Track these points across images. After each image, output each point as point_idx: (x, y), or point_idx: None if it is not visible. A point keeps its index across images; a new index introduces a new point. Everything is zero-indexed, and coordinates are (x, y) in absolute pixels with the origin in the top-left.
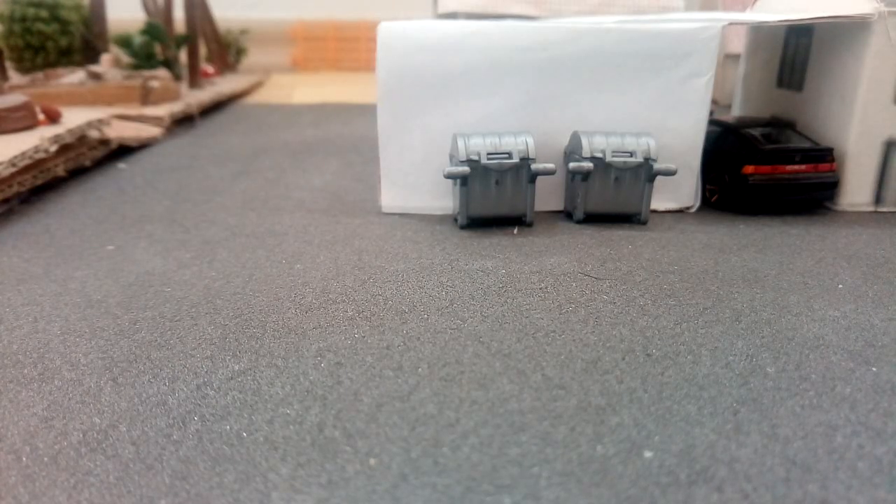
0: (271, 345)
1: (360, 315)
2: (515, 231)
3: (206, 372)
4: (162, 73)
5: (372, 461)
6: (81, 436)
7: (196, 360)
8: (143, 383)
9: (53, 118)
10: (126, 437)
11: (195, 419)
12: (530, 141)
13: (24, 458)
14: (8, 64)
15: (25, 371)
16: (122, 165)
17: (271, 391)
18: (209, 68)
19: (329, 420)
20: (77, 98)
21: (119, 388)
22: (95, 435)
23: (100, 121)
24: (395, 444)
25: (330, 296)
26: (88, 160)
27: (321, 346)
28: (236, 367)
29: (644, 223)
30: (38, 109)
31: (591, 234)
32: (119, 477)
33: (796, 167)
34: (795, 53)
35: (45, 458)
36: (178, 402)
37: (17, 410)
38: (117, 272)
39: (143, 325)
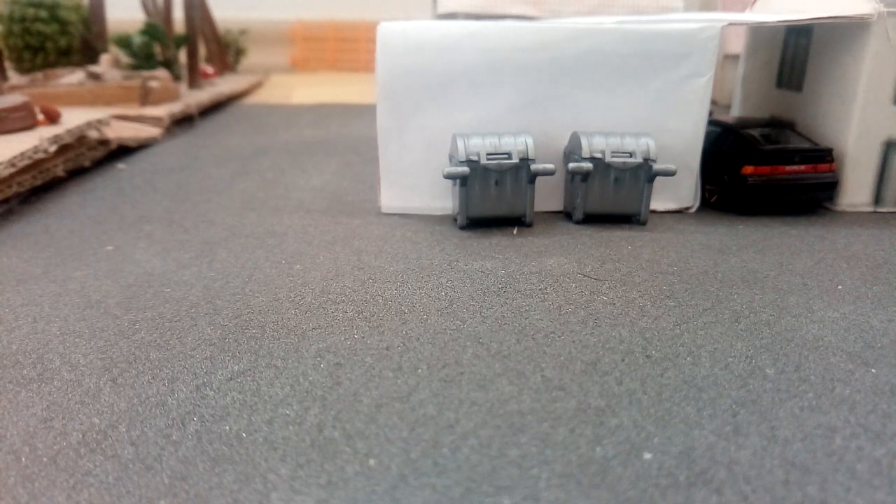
0: (271, 345)
1: (360, 316)
2: (515, 231)
3: (206, 372)
4: (161, 73)
5: (371, 462)
6: (81, 436)
7: (195, 361)
8: (143, 384)
9: (53, 118)
10: (125, 438)
11: (194, 420)
12: (530, 141)
13: (23, 459)
14: (7, 64)
15: (24, 372)
16: (121, 166)
17: (271, 392)
18: (208, 69)
19: (328, 421)
20: (76, 98)
21: (118, 388)
22: (95, 435)
23: (99, 121)
24: (395, 445)
25: (329, 296)
26: (88, 160)
27: (321, 346)
28: (236, 368)
29: (643, 224)
30: (37, 110)
31: (590, 235)
32: (118, 477)
33: (796, 167)
34: (795, 54)
35: (45, 459)
36: (177, 402)
37: (17, 411)
38: (116, 272)
39: (142, 325)
